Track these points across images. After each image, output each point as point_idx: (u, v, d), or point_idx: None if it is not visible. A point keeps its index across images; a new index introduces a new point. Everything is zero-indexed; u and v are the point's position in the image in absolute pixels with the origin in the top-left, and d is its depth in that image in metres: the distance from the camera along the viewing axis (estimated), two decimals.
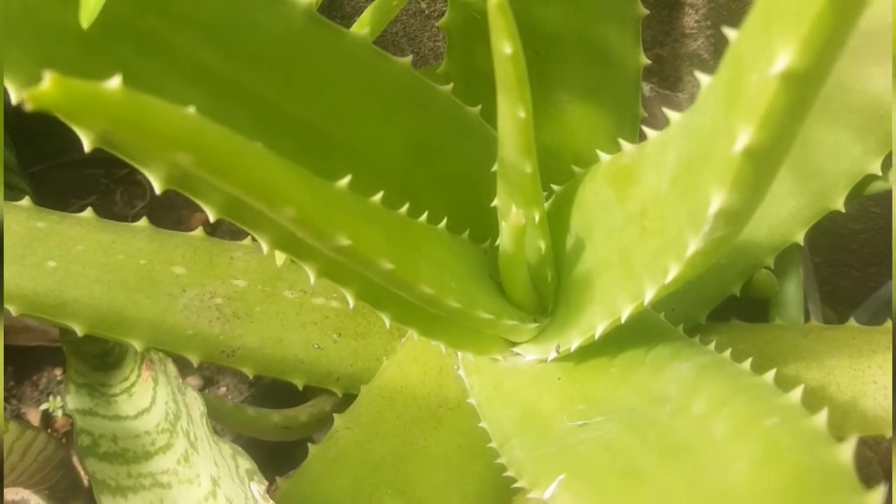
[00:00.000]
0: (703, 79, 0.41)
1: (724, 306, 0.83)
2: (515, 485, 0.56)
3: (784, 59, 0.33)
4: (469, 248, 0.70)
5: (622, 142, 0.57)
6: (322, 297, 0.80)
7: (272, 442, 0.85)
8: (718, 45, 1.03)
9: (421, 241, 0.60)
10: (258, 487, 0.62)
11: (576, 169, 0.65)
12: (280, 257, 0.75)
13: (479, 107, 0.70)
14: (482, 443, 0.64)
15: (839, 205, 0.78)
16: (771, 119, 0.35)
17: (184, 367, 0.96)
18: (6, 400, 1.02)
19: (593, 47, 0.75)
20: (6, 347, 1.01)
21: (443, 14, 0.73)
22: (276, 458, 0.79)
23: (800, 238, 0.80)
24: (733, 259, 0.80)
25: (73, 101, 0.34)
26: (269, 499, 0.61)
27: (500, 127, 0.56)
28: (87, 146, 0.43)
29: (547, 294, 0.69)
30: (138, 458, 0.77)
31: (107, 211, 0.79)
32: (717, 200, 0.41)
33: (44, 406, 1.00)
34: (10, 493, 0.89)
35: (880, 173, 0.77)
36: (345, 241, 0.47)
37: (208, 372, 1.03)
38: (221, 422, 0.80)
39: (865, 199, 1.11)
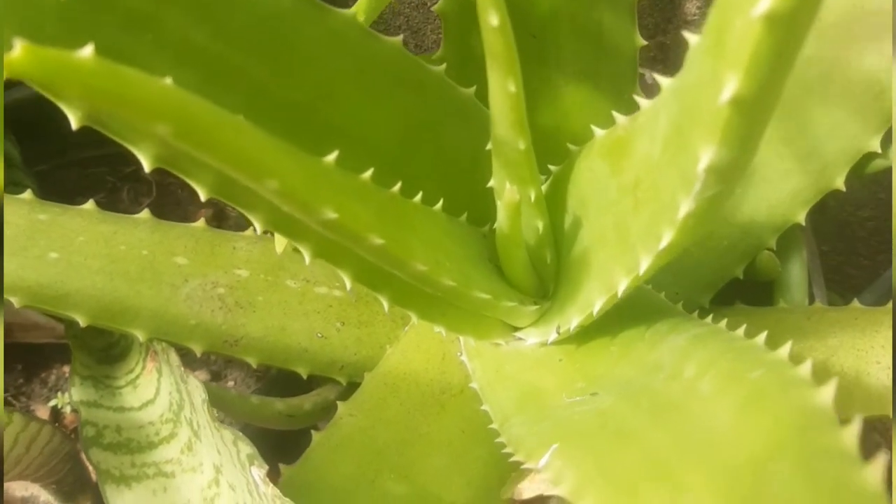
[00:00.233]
0: (692, 38, 0.41)
1: (728, 290, 0.83)
2: (512, 459, 0.56)
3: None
4: (467, 230, 0.70)
5: (615, 114, 0.57)
6: (325, 287, 0.80)
7: (278, 431, 0.85)
8: None
9: (414, 219, 0.60)
10: (259, 472, 0.62)
11: (571, 147, 0.64)
12: (280, 245, 0.75)
13: (474, 88, 0.69)
14: (485, 428, 0.64)
15: (839, 184, 0.78)
16: (757, 65, 0.35)
17: (191, 362, 0.97)
18: (15, 397, 1.02)
19: (589, 30, 0.75)
20: (15, 345, 1.02)
21: None
22: (283, 446, 0.79)
23: (801, 218, 0.80)
24: (735, 240, 0.80)
25: (46, 69, 0.34)
26: (269, 482, 0.61)
27: (492, 103, 0.56)
28: (74, 124, 0.43)
29: (547, 276, 0.69)
30: (142, 447, 0.77)
31: (113, 209, 0.79)
32: (706, 156, 0.40)
33: (52, 403, 1.00)
34: (18, 489, 0.89)
35: (880, 151, 0.77)
36: (331, 215, 0.47)
37: (216, 366, 1.03)
38: (225, 411, 0.80)
39: (873, 185, 1.10)
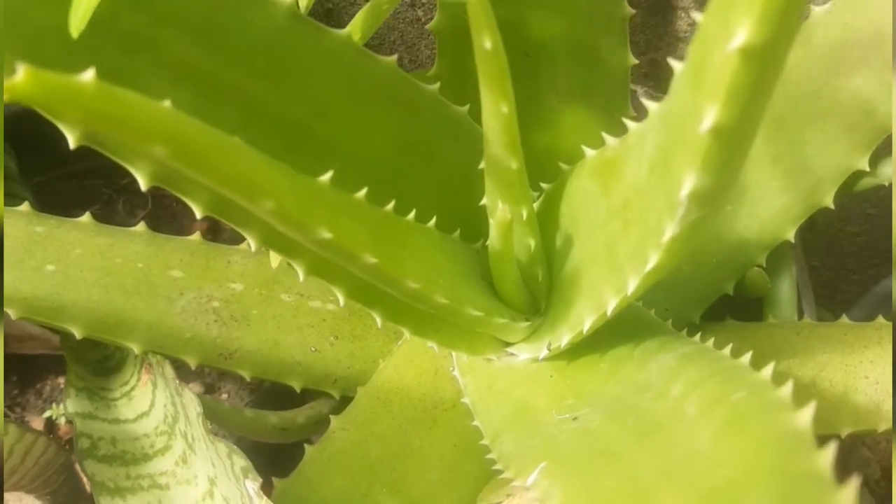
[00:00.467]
0: (677, 65, 0.42)
1: (719, 306, 0.84)
2: (502, 476, 0.56)
3: (742, 35, 0.34)
4: (460, 247, 0.71)
5: (605, 136, 0.58)
6: (319, 301, 0.81)
7: (272, 445, 0.85)
8: None
9: (407, 237, 0.61)
10: (253, 485, 0.63)
11: (563, 166, 0.65)
12: (275, 260, 0.76)
13: (468, 107, 0.70)
14: (476, 443, 0.64)
15: (828, 201, 0.79)
16: (734, 96, 0.36)
17: (185, 374, 0.97)
18: (10, 408, 1.03)
19: (581, 49, 0.75)
20: (11, 356, 1.02)
21: None
22: (276, 460, 0.79)
23: (791, 235, 0.80)
24: (725, 257, 0.81)
25: (47, 92, 0.34)
26: (263, 495, 0.62)
27: (485, 123, 0.57)
28: (72, 143, 0.44)
29: (539, 293, 0.69)
30: (137, 459, 0.77)
31: (109, 221, 0.80)
32: (688, 182, 0.41)
33: (47, 414, 1.01)
34: (12, 499, 0.89)
35: (868, 169, 0.78)
36: (326, 235, 0.47)
37: (209, 379, 1.03)
38: (219, 424, 0.80)
39: (862, 202, 1.11)
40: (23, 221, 0.77)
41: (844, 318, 0.80)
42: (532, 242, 0.66)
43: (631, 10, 0.75)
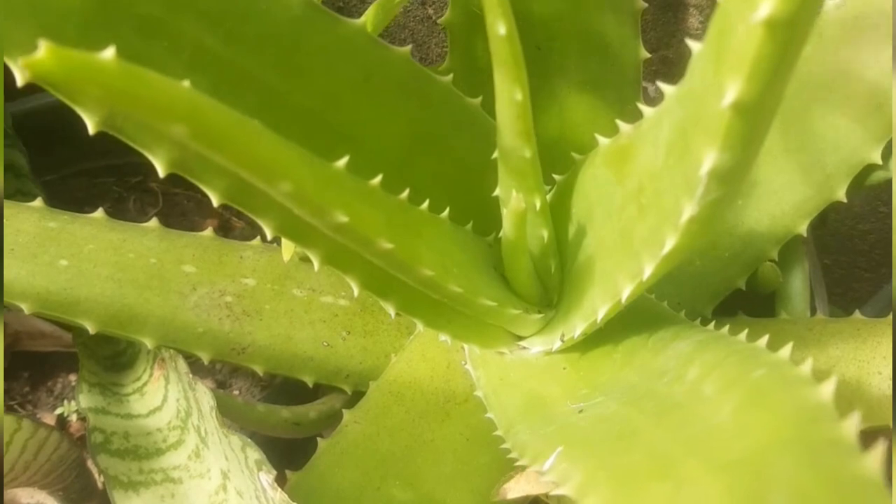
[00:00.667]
0: (695, 45, 0.42)
1: (731, 301, 0.83)
2: (518, 463, 0.56)
3: (766, 6, 0.33)
4: (473, 239, 0.71)
5: (619, 122, 0.58)
6: (331, 296, 0.81)
7: (285, 439, 0.86)
8: None
9: (421, 226, 0.61)
10: (266, 477, 0.63)
11: (576, 156, 0.65)
12: (287, 254, 0.76)
13: (480, 98, 0.70)
14: (489, 436, 0.64)
15: (841, 195, 0.79)
16: (758, 69, 0.36)
17: (198, 371, 0.97)
18: (22, 405, 1.03)
19: (593, 42, 0.76)
20: (22, 353, 1.02)
21: None
22: (289, 455, 0.79)
23: (803, 230, 0.80)
24: (737, 251, 0.81)
25: (68, 69, 0.35)
26: (277, 487, 0.62)
27: (498, 111, 0.57)
28: (90, 128, 0.44)
29: (552, 285, 0.69)
30: (150, 454, 0.77)
31: (120, 218, 0.80)
32: (709, 159, 0.41)
33: (59, 410, 1.01)
34: (25, 495, 0.89)
35: (881, 162, 0.78)
36: (342, 219, 0.47)
37: (221, 375, 1.04)
38: (231, 418, 0.80)
39: (874, 199, 1.11)
40: (36, 217, 0.77)
41: (857, 314, 0.80)
42: (545, 233, 0.66)
43: (643, 4, 0.75)
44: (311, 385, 0.80)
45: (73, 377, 1.04)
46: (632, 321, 0.64)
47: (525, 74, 0.54)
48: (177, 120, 0.38)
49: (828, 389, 0.40)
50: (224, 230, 1.11)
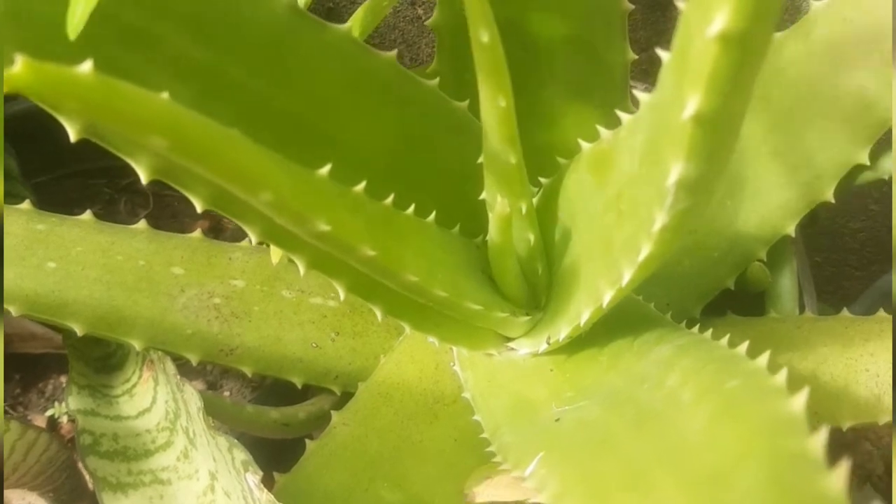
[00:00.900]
0: (664, 55, 0.42)
1: (720, 300, 0.84)
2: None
3: (720, 20, 0.34)
4: (459, 242, 0.71)
5: (600, 129, 0.58)
6: (320, 297, 0.81)
7: (274, 441, 0.86)
8: None
9: (406, 231, 0.61)
10: (253, 478, 0.63)
11: (561, 160, 0.65)
12: (275, 256, 0.76)
13: (467, 102, 0.70)
14: (477, 437, 0.65)
15: (829, 196, 0.79)
16: (715, 83, 0.36)
17: (188, 373, 0.97)
18: (13, 407, 1.03)
19: (580, 44, 0.75)
20: (13, 355, 1.02)
21: None
22: (278, 457, 0.79)
23: (791, 230, 0.81)
24: (726, 252, 0.81)
25: (45, 83, 0.35)
26: (264, 488, 0.62)
27: (483, 117, 0.57)
28: (72, 136, 0.44)
29: (539, 288, 0.69)
30: (139, 455, 0.78)
31: (111, 220, 0.80)
32: (675, 170, 0.41)
33: (49, 412, 1.01)
34: (15, 497, 0.89)
35: (868, 163, 0.78)
36: (324, 227, 0.48)
37: (211, 377, 1.04)
38: (220, 420, 0.80)
39: (864, 198, 1.11)
40: (24, 219, 0.77)
41: (845, 312, 0.80)
42: (532, 237, 0.66)
43: (630, 6, 0.75)
44: (300, 386, 0.80)
45: (63, 379, 1.04)
46: (618, 324, 0.65)
47: (509, 81, 0.54)
48: (155, 132, 0.38)
49: (799, 401, 0.40)
50: (215, 231, 1.11)
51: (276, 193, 0.44)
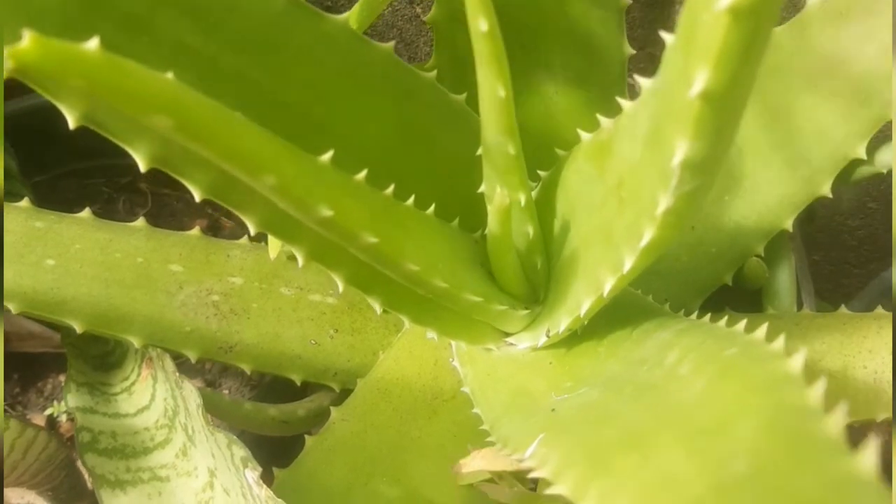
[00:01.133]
0: (668, 37, 0.42)
1: (718, 297, 0.84)
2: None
3: None
4: (458, 235, 0.71)
5: (600, 118, 0.58)
6: (318, 294, 0.81)
7: (274, 438, 0.86)
8: None
9: (407, 221, 0.61)
10: (252, 474, 0.63)
11: (559, 152, 0.65)
12: (273, 251, 0.76)
13: (465, 94, 0.70)
14: (476, 432, 0.65)
15: (826, 190, 0.79)
16: (725, 58, 0.36)
17: (186, 370, 0.97)
18: (12, 406, 1.03)
19: (578, 39, 0.76)
20: (12, 354, 1.02)
21: None
22: (278, 453, 0.79)
23: (789, 225, 0.81)
24: (724, 247, 0.81)
25: (52, 59, 0.35)
26: (263, 485, 0.62)
27: (482, 108, 0.57)
28: (71, 123, 0.44)
29: (538, 282, 0.69)
30: (137, 453, 0.77)
31: (109, 219, 0.80)
32: (681, 150, 0.41)
33: (48, 411, 1.01)
34: (14, 496, 0.89)
35: (865, 157, 0.78)
36: (327, 212, 0.48)
37: (210, 375, 1.04)
38: (220, 417, 0.81)
39: (863, 195, 1.11)
40: (22, 217, 0.77)
41: (843, 309, 0.80)
42: (531, 230, 0.66)
43: (627, 1, 0.75)
44: (299, 383, 0.80)
45: (62, 378, 1.04)
46: (617, 316, 0.65)
47: (508, 71, 0.54)
48: (160, 112, 0.38)
49: (797, 360, 0.40)
50: (213, 230, 1.11)
51: (280, 177, 0.44)
